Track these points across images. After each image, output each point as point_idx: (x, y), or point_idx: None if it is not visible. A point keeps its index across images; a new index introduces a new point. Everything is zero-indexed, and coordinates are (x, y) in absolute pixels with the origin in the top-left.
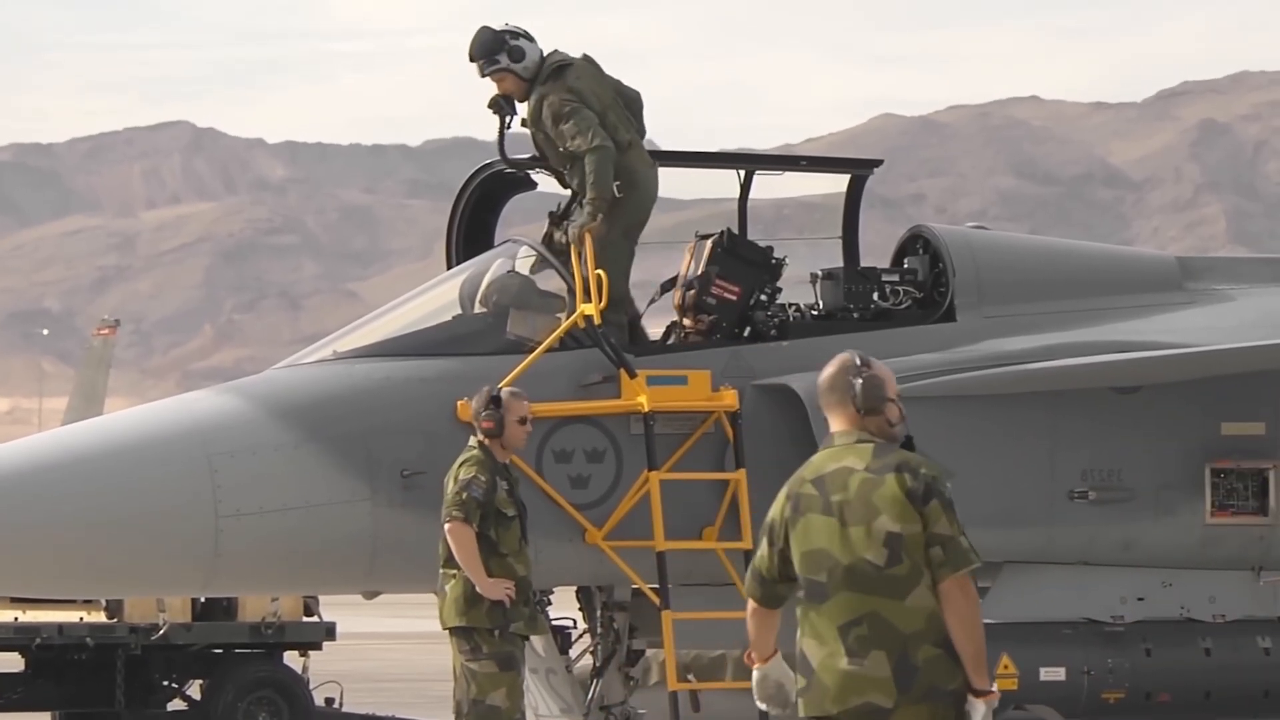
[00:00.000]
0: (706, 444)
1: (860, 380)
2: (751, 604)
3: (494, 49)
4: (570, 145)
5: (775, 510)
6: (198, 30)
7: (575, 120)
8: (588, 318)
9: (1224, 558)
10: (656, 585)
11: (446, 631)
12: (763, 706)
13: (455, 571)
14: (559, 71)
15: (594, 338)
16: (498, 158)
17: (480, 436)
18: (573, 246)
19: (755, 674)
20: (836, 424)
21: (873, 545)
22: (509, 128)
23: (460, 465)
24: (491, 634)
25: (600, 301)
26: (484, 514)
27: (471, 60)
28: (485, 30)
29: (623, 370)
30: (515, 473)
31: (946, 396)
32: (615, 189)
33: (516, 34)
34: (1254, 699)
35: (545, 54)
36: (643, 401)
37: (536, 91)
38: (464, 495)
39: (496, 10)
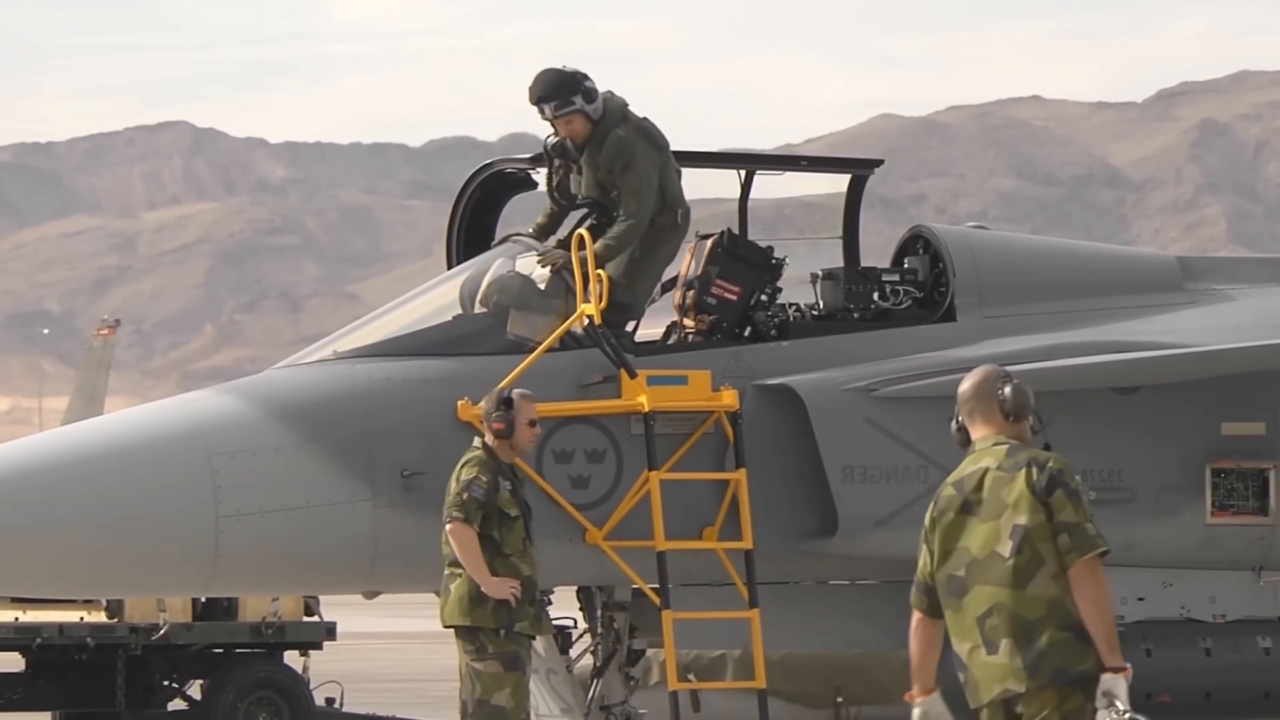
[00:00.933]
0: (707, 444)
1: (1009, 388)
2: (916, 618)
3: (569, 90)
4: (618, 190)
5: (927, 518)
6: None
7: (636, 179)
8: (588, 318)
9: (1224, 558)
10: (657, 585)
11: (451, 630)
12: None
13: (460, 571)
14: (627, 114)
15: (594, 338)
16: (497, 158)
17: (488, 437)
18: (573, 247)
19: (915, 711)
20: (980, 430)
21: (1001, 539)
22: (567, 172)
23: (462, 466)
24: (496, 634)
25: (600, 302)
26: (486, 514)
27: (541, 101)
28: (555, 72)
29: (623, 370)
30: (520, 473)
31: (946, 397)
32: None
33: (584, 75)
34: (1255, 699)
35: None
36: (643, 401)
37: (610, 132)
38: (464, 495)
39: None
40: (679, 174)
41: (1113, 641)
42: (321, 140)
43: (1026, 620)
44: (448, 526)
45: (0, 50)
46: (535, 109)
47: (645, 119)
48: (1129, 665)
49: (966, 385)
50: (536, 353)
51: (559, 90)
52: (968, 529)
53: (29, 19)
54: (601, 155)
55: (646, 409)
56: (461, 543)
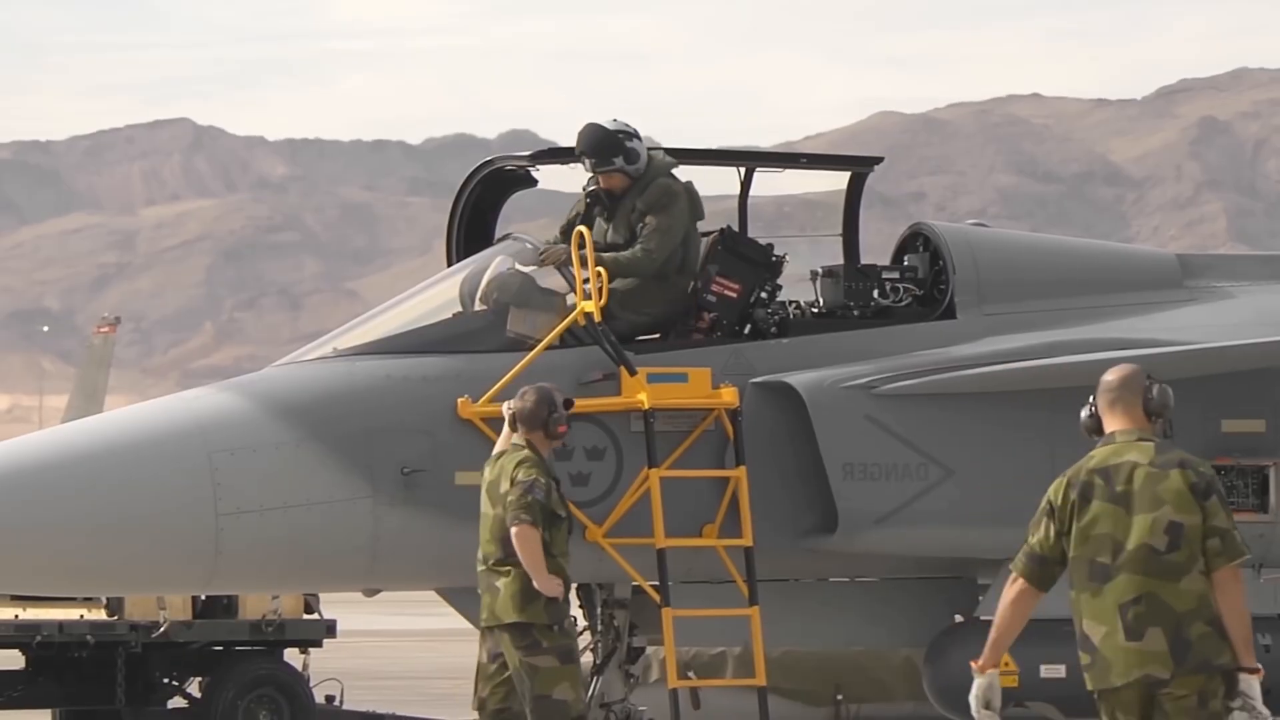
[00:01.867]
0: (707, 441)
1: (1157, 387)
2: (1018, 586)
3: (611, 150)
4: (638, 229)
5: (1056, 495)
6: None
7: (668, 221)
8: (587, 315)
9: None
10: (657, 583)
11: (490, 629)
12: (983, 715)
13: (509, 568)
14: (673, 172)
15: (594, 335)
16: (497, 155)
17: (535, 436)
18: (573, 244)
19: (981, 680)
20: (1118, 423)
21: (1155, 532)
22: (589, 213)
23: (518, 466)
24: (550, 629)
25: (600, 299)
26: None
27: (583, 155)
28: (600, 129)
29: (623, 367)
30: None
31: (947, 394)
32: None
33: (630, 134)
34: None
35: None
36: (643, 399)
37: (657, 179)
38: (529, 498)
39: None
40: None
41: (1250, 643)
42: (321, 137)
43: (1176, 612)
44: (515, 529)
45: (1, 48)
46: (580, 161)
47: (690, 183)
48: (1261, 666)
49: (1113, 376)
50: (535, 350)
51: (601, 149)
52: (1116, 519)
53: (28, 17)
54: (643, 197)
55: (646, 406)
56: (529, 544)
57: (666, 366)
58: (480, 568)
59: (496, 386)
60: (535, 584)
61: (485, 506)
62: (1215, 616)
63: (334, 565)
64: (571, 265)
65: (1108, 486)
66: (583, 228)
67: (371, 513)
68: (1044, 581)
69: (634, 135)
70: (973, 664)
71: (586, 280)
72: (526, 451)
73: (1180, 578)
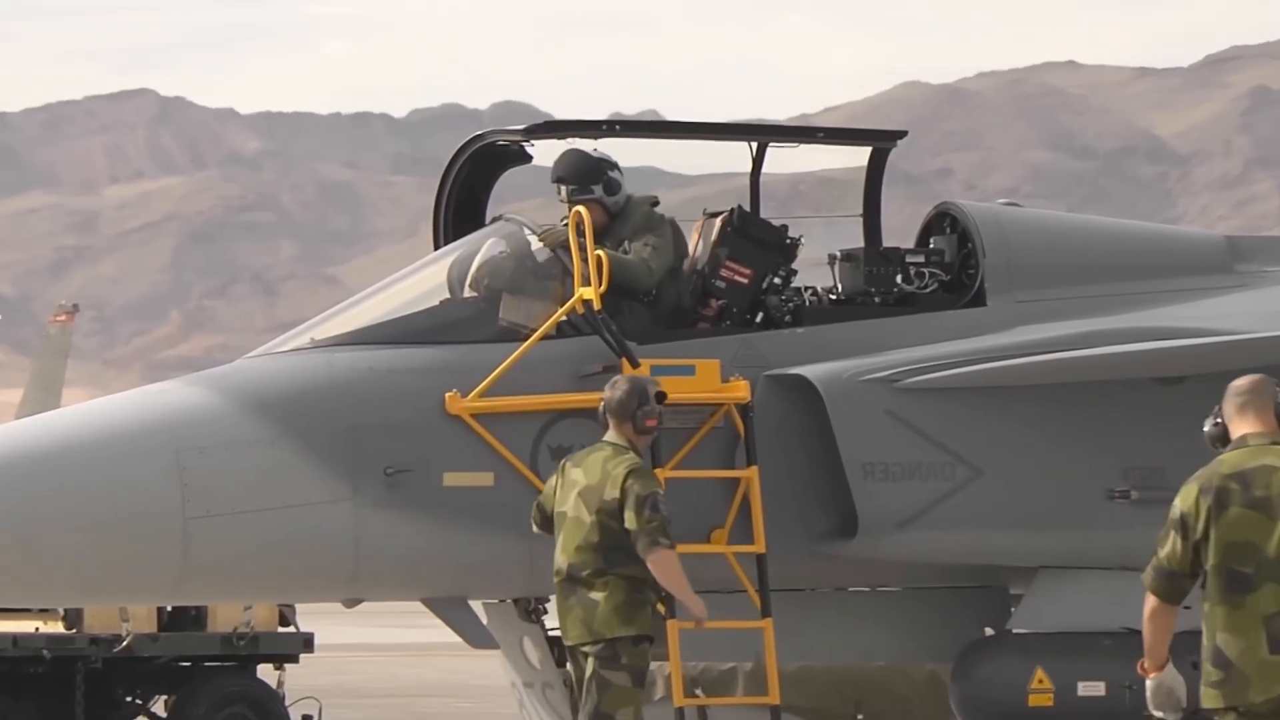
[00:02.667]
0: (715, 439)
1: None
2: (1152, 603)
3: (591, 178)
4: (638, 245)
5: (1188, 504)
6: None
7: (662, 243)
8: (586, 302)
9: None
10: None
11: (578, 647)
12: (1158, 714)
13: (607, 579)
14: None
15: (593, 324)
16: (489, 129)
17: (625, 430)
18: (570, 226)
19: (1150, 683)
20: (1248, 425)
21: None
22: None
23: (630, 475)
24: (634, 643)
25: (600, 285)
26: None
27: (560, 181)
28: (580, 154)
29: (624, 359)
30: None
31: (975, 388)
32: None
33: (612, 164)
34: None
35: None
36: None
37: (643, 208)
38: (660, 516)
39: None
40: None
41: None
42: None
43: None
44: (656, 554)
45: None
46: (554, 185)
47: (674, 219)
48: None
49: (1243, 381)
50: (530, 341)
51: (581, 175)
52: (1258, 526)
53: None
54: (628, 225)
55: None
56: (672, 568)
57: (672, 358)
58: (561, 580)
59: (487, 380)
60: (688, 608)
61: (575, 509)
62: None
63: (312, 573)
64: (569, 248)
65: (1245, 492)
66: (581, 207)
67: (353, 516)
68: (1176, 596)
69: (615, 166)
70: (1140, 669)
71: (586, 265)
72: (633, 456)
73: None
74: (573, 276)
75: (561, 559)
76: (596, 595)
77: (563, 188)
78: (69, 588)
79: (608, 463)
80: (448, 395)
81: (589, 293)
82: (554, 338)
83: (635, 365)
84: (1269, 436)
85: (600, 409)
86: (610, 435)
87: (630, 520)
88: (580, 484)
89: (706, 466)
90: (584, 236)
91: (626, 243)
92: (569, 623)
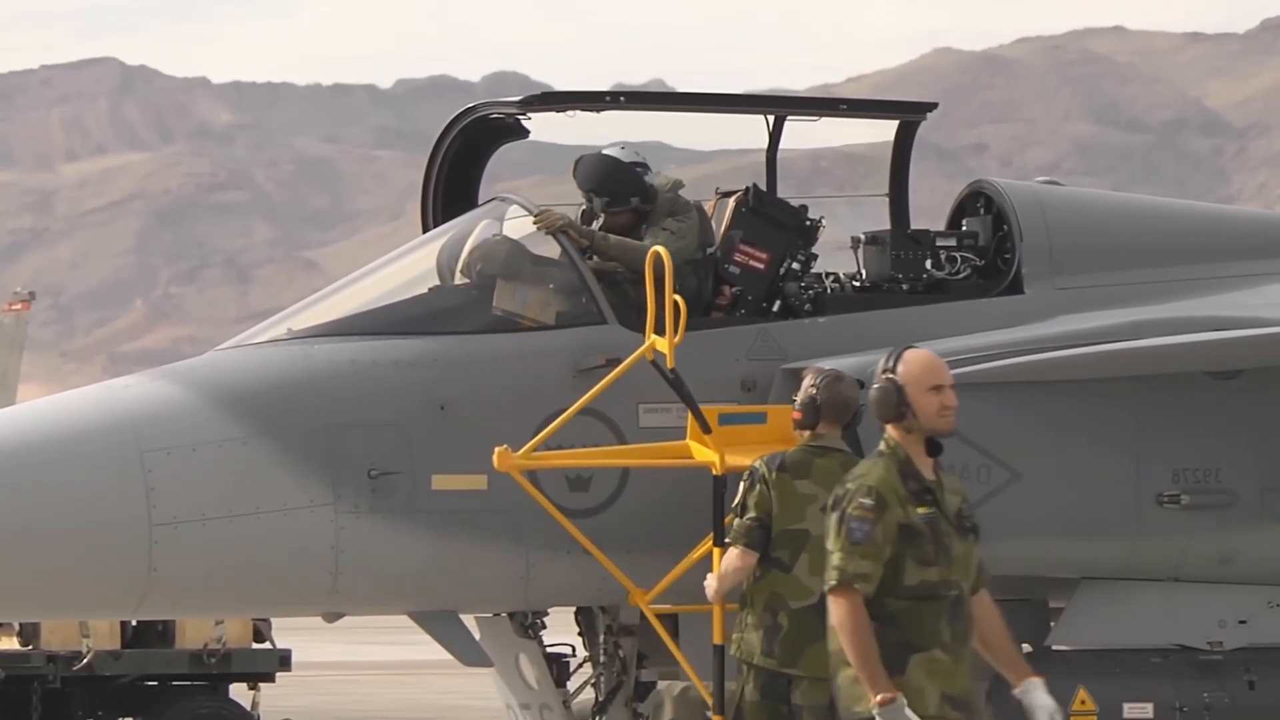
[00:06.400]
0: None
1: None
2: None
3: (629, 190)
4: (654, 229)
5: None
6: None
7: (675, 230)
8: (659, 354)
9: None
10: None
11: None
12: None
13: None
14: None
15: (665, 378)
16: (482, 101)
17: (835, 431)
18: (647, 267)
19: None
20: None
21: None
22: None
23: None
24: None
25: (676, 335)
26: None
27: (590, 193)
28: (613, 163)
29: (693, 419)
30: None
31: (1012, 383)
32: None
33: (646, 166)
34: None
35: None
36: (715, 462)
37: (668, 194)
38: None
39: None
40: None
41: None
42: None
43: None
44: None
45: None
46: (583, 194)
47: (700, 203)
48: None
49: None
50: (598, 387)
51: (617, 188)
52: None
53: None
54: (653, 213)
55: (720, 471)
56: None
57: (741, 406)
58: (811, 606)
59: (544, 433)
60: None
61: (820, 527)
62: None
63: (289, 585)
64: (569, 231)
65: None
66: (660, 248)
67: (333, 523)
68: None
69: (648, 168)
70: None
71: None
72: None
73: None
74: (574, 263)
75: (814, 582)
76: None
77: (595, 199)
78: (23, 600)
79: (849, 469)
80: (498, 451)
81: (663, 344)
82: (550, 327)
83: (708, 431)
84: None
85: (807, 404)
86: (822, 437)
87: None
88: (820, 497)
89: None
90: (663, 280)
91: (644, 228)
92: (813, 653)
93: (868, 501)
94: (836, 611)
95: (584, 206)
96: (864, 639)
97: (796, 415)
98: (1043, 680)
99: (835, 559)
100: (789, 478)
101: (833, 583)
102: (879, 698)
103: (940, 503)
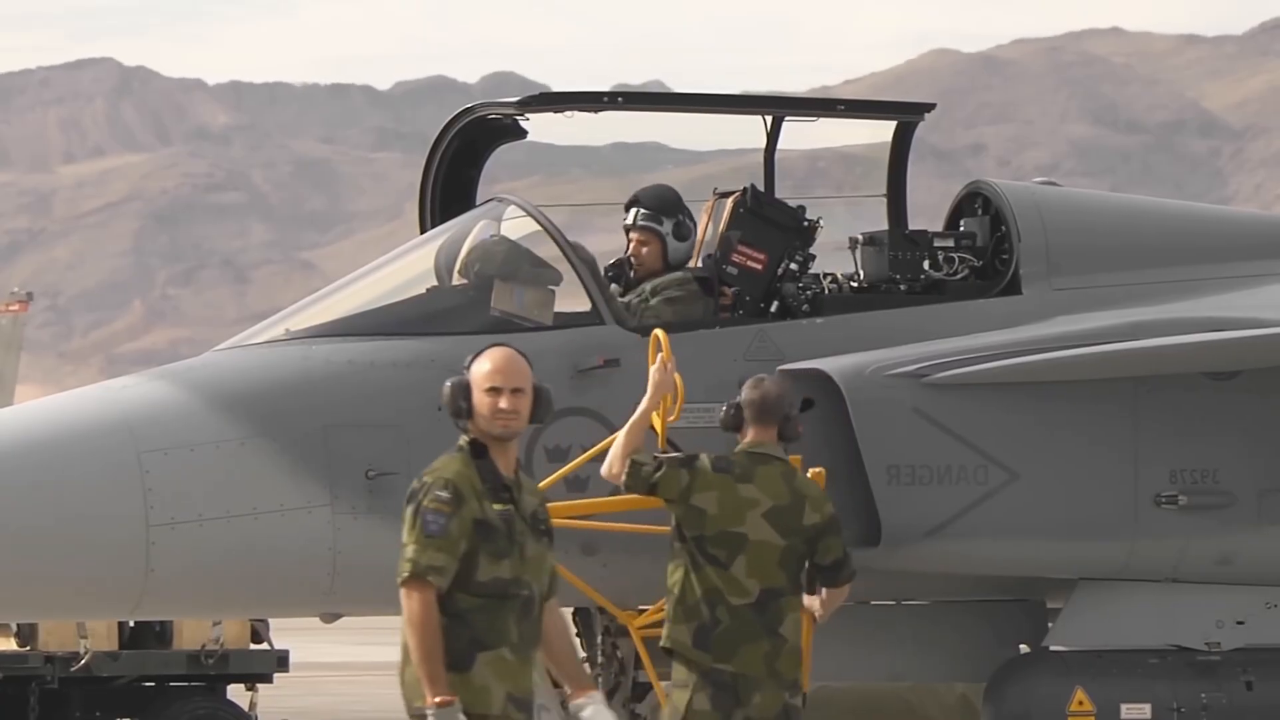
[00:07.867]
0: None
1: None
2: None
3: (668, 211)
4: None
5: None
6: None
7: (672, 302)
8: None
9: None
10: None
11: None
12: None
13: (798, 613)
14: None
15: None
16: (479, 101)
17: (771, 435)
18: (650, 348)
19: None
20: None
21: None
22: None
23: (828, 500)
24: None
25: (674, 416)
26: None
27: (634, 204)
28: (669, 189)
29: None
30: None
31: (1010, 384)
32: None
33: (692, 216)
34: None
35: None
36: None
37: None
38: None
39: None
40: None
41: None
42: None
43: None
44: (847, 589)
45: None
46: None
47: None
48: None
49: None
50: (635, 415)
51: (659, 203)
52: None
53: None
54: (656, 283)
55: None
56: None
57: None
58: (748, 605)
59: (558, 474)
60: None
61: (760, 532)
62: None
63: (286, 586)
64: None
65: None
66: (659, 332)
67: (330, 523)
68: None
69: (694, 220)
70: None
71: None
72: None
73: None
74: (578, 274)
75: (752, 584)
76: (786, 631)
77: (635, 210)
78: (21, 602)
79: (803, 486)
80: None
81: (657, 423)
82: (549, 328)
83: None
84: None
85: (733, 411)
86: (752, 443)
87: (836, 549)
88: (763, 503)
89: None
90: (660, 355)
91: (648, 286)
92: (749, 651)
93: (444, 495)
94: (407, 605)
95: (615, 259)
96: (430, 637)
97: (721, 418)
98: (602, 694)
99: (409, 551)
100: (731, 480)
101: (405, 575)
102: (436, 700)
103: (517, 501)
